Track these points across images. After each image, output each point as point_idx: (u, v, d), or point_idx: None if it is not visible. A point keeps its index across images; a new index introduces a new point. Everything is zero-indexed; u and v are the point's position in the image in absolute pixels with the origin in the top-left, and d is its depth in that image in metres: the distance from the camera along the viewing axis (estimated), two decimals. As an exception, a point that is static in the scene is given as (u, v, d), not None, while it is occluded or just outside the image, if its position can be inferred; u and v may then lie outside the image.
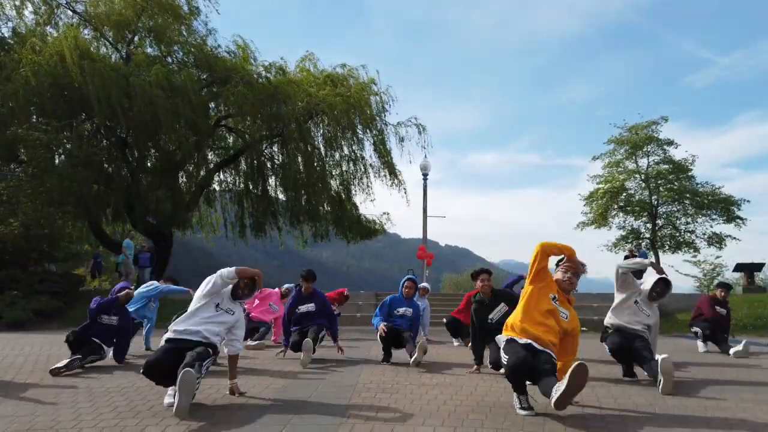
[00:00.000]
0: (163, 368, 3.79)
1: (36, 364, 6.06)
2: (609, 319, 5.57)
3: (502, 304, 5.69)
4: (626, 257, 17.39)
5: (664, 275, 5.56)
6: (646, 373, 5.00)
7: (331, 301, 8.16)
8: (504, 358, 3.75)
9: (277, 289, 8.98)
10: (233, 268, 4.29)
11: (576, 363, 3.10)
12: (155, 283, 7.84)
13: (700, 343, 8.25)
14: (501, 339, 4.03)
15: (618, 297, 5.56)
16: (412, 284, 6.80)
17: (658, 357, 4.67)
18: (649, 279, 5.67)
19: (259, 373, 5.50)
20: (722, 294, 8.43)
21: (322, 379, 5.17)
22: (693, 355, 7.60)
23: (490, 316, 5.66)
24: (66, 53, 14.38)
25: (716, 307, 8.30)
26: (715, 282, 21.36)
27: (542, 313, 3.92)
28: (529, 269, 4.08)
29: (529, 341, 3.77)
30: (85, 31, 16.93)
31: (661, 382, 4.56)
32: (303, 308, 6.64)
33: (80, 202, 15.03)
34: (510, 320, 4.06)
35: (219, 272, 4.28)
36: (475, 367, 5.65)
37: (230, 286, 4.31)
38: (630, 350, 5.22)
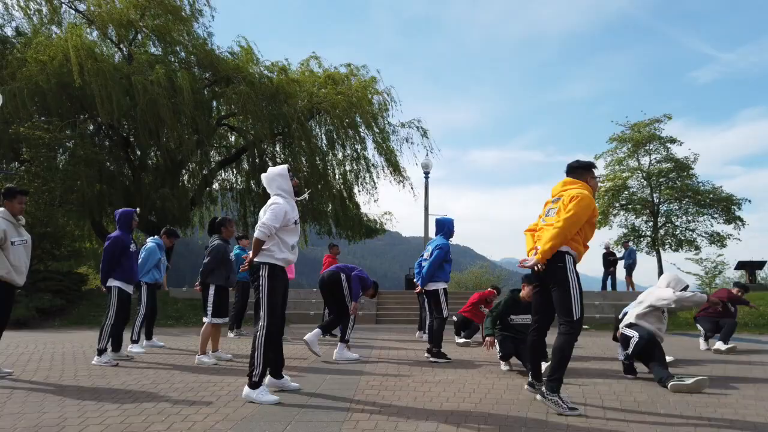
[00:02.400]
0: None
1: (40, 362, 6.10)
2: (637, 320, 5.44)
3: (530, 315, 5.85)
4: (605, 255, 16.67)
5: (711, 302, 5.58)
6: (652, 374, 5.02)
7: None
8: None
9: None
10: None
11: None
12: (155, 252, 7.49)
13: (701, 341, 8.27)
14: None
15: (646, 308, 5.50)
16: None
17: (698, 377, 4.65)
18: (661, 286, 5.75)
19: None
20: (739, 293, 8.51)
21: (326, 376, 5.21)
22: (694, 353, 7.63)
23: (514, 317, 5.90)
24: (71, 53, 14.41)
25: (729, 304, 8.33)
26: (716, 281, 21.41)
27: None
28: None
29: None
30: (88, 30, 16.96)
31: (683, 382, 4.57)
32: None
33: (82, 200, 15.07)
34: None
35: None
36: (487, 340, 5.80)
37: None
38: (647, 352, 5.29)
